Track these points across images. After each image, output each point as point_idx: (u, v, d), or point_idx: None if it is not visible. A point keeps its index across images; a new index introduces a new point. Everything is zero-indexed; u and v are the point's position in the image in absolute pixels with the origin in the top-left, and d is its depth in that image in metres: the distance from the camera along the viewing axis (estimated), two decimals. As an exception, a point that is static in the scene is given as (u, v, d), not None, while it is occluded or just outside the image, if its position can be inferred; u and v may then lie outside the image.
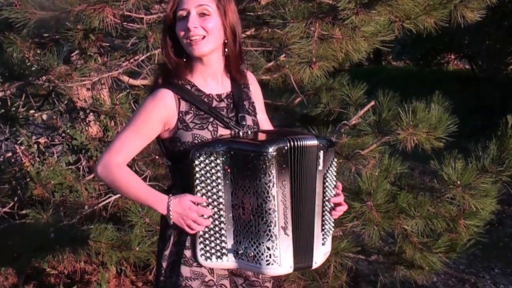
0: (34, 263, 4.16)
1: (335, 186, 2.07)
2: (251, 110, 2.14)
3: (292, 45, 2.94)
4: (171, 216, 1.94)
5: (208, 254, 1.94)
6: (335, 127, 3.96)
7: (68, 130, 4.08)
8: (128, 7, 3.09)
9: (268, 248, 1.88)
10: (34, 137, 4.46)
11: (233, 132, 2.02)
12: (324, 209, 2.02)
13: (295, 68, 3.10)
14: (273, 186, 1.85)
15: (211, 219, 1.93)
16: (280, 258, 1.89)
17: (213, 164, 1.90)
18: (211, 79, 2.06)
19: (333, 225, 2.09)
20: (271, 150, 1.84)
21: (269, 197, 1.86)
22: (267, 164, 1.84)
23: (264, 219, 1.87)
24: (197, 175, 1.91)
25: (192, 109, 1.99)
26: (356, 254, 3.72)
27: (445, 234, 3.42)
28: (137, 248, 3.45)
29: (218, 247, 1.94)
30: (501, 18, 9.57)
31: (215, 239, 1.94)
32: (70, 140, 4.05)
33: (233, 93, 2.09)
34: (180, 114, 1.98)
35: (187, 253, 1.98)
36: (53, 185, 3.81)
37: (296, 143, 1.89)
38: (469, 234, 3.42)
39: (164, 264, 2.02)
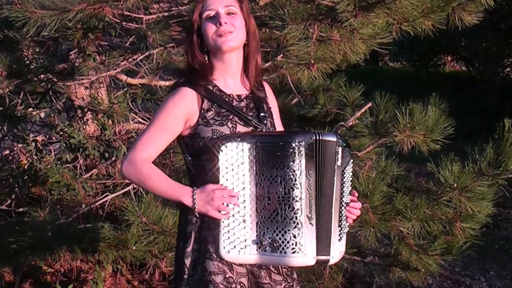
0: (30, 261, 4.15)
1: (351, 190, 2.13)
2: (269, 113, 2.21)
3: (291, 47, 2.95)
4: (196, 206, 1.98)
5: (231, 246, 1.96)
6: (332, 128, 3.96)
7: (66, 129, 4.08)
8: (127, 7, 3.09)
9: (295, 236, 1.91)
10: (31, 135, 4.46)
11: (254, 129, 2.09)
12: (341, 204, 2.08)
13: (294, 70, 3.11)
14: (300, 174, 1.92)
15: (236, 209, 1.96)
16: (305, 246, 1.93)
17: (239, 155, 1.95)
18: (231, 80, 2.14)
19: (347, 223, 2.12)
20: (300, 139, 1.92)
21: (297, 184, 1.91)
22: (296, 152, 1.92)
23: (291, 207, 1.92)
24: (223, 166, 1.96)
25: (214, 107, 2.07)
26: (352, 255, 3.73)
27: (441, 237, 3.43)
28: (134, 247, 3.45)
29: (241, 239, 1.96)
30: (498, 20, 9.60)
31: (239, 230, 1.96)
32: (67, 139, 4.05)
33: (252, 94, 2.17)
34: (202, 111, 2.05)
35: (211, 248, 2.01)
36: (51, 183, 3.81)
37: (319, 137, 1.96)
38: (465, 237, 3.43)
39: (187, 262, 2.05)
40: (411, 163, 5.09)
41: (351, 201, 2.13)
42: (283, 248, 1.92)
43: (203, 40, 2.09)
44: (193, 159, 2.08)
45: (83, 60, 3.84)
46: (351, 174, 2.14)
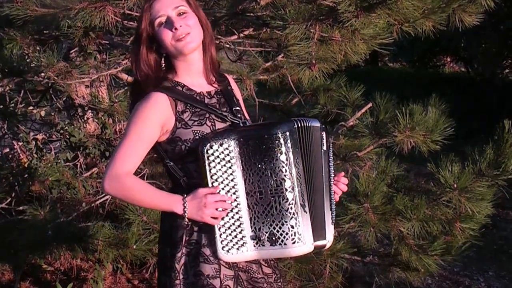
0: (30, 260, 4.16)
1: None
2: (240, 105, 2.19)
3: (292, 47, 2.95)
4: (186, 214, 1.94)
5: (229, 246, 1.95)
6: (333, 128, 3.97)
7: (66, 127, 4.09)
8: (128, 6, 3.10)
9: (292, 227, 1.92)
10: (32, 134, 4.46)
11: (232, 124, 2.06)
12: (330, 188, 2.08)
13: (295, 70, 3.12)
14: (289, 164, 1.92)
15: (229, 206, 1.95)
16: (303, 235, 1.94)
17: (225, 153, 1.93)
18: (197, 78, 2.10)
19: (335, 206, 2.13)
20: (283, 129, 1.92)
21: (287, 175, 1.92)
22: (282, 143, 1.91)
23: (285, 198, 1.92)
24: (210, 167, 1.93)
25: (188, 107, 2.02)
26: (351, 255, 3.73)
27: (440, 237, 3.44)
28: (134, 246, 3.45)
29: (238, 237, 1.95)
30: (497, 22, 9.60)
31: (235, 229, 1.95)
32: (68, 137, 4.05)
33: (221, 89, 2.14)
34: (177, 114, 2.00)
35: (206, 251, 1.98)
36: (51, 181, 3.81)
37: (303, 124, 1.96)
38: (465, 237, 3.44)
39: (178, 266, 1.99)
40: (411, 163, 5.08)
41: (339, 176, 2.14)
42: (282, 240, 1.92)
43: (159, 45, 2.03)
44: (177, 163, 2.03)
45: (84, 59, 3.85)
46: (332, 154, 2.12)
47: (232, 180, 1.95)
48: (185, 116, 2.00)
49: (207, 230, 1.98)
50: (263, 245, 1.94)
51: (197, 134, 1.99)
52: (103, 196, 3.86)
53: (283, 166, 1.91)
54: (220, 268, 1.99)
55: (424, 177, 4.49)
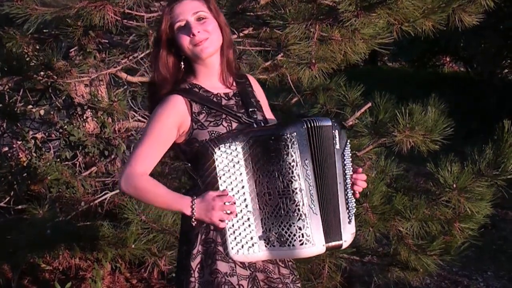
0: (29, 259, 4.15)
1: (352, 167, 2.12)
2: (259, 106, 2.20)
3: (292, 46, 2.96)
4: (195, 215, 1.97)
5: (239, 246, 1.96)
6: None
7: (66, 126, 4.08)
8: (128, 5, 3.10)
9: (300, 228, 1.92)
10: (31, 132, 4.45)
11: (246, 126, 2.07)
12: (346, 187, 2.07)
13: (294, 69, 3.12)
14: (296, 165, 1.92)
15: (238, 209, 1.96)
16: (312, 237, 1.93)
17: (233, 155, 1.95)
18: (216, 80, 2.13)
19: (355, 204, 2.12)
20: (291, 130, 1.92)
21: (294, 176, 1.92)
22: (288, 144, 1.92)
23: (292, 199, 1.92)
24: (219, 168, 1.96)
25: (204, 109, 2.05)
26: (350, 255, 3.73)
27: (439, 237, 3.43)
28: (133, 246, 3.45)
29: (248, 238, 1.96)
30: (497, 21, 9.60)
31: (244, 229, 1.96)
32: (67, 136, 4.04)
33: (239, 91, 2.16)
34: (193, 115, 2.03)
35: (221, 249, 2.00)
36: (50, 180, 3.81)
37: (312, 124, 1.96)
38: (464, 237, 3.43)
39: (193, 264, 2.03)
40: (410, 163, 5.08)
41: (356, 173, 2.12)
42: (290, 242, 1.93)
43: (179, 48, 2.07)
44: (192, 164, 2.08)
45: (83, 58, 3.84)
46: (350, 153, 2.12)
47: (241, 181, 1.96)
48: (201, 117, 2.04)
49: (216, 229, 2.00)
50: (273, 246, 1.95)
51: (213, 135, 2.02)
52: (102, 195, 3.86)
53: (289, 168, 1.92)
54: (236, 267, 2.02)
55: (423, 177, 4.49)
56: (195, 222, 1.99)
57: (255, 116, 2.11)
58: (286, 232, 1.93)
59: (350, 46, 3.06)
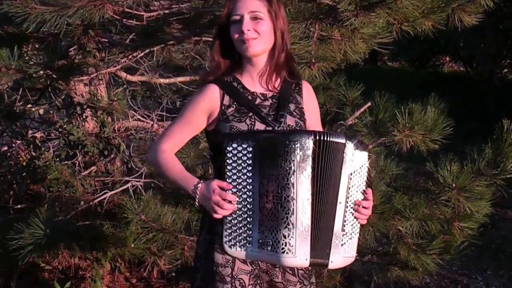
0: (28, 258, 4.14)
1: (364, 191, 2.07)
2: (296, 113, 2.19)
3: (292, 46, 2.95)
4: (196, 197, 2.03)
5: (233, 242, 2.00)
6: (332, 127, 3.97)
7: (65, 125, 4.07)
8: (128, 4, 3.09)
9: (285, 236, 1.92)
10: (30, 132, 4.45)
11: (269, 127, 2.10)
12: (346, 209, 2.03)
13: (294, 69, 3.10)
14: (292, 173, 1.92)
15: (237, 206, 1.99)
16: (295, 248, 1.93)
17: (243, 153, 1.97)
18: (259, 79, 2.17)
19: (357, 229, 2.07)
20: (296, 138, 1.92)
21: (288, 184, 1.92)
22: (289, 152, 1.92)
23: (283, 206, 1.93)
24: (228, 162, 1.99)
25: (234, 103, 2.11)
26: (350, 254, 3.72)
27: (439, 236, 3.43)
28: (132, 245, 3.44)
29: (244, 235, 1.99)
30: (497, 21, 9.60)
31: (242, 227, 1.99)
32: (66, 135, 4.04)
33: (279, 94, 2.18)
34: (223, 107, 2.11)
35: (219, 241, 2.05)
36: (49, 180, 3.80)
37: (322, 137, 1.94)
38: (463, 236, 3.43)
39: (199, 251, 2.17)
40: (409, 162, 5.08)
41: (364, 199, 2.07)
42: (274, 248, 1.94)
43: (231, 39, 2.14)
44: (213, 154, 2.17)
45: (83, 57, 3.85)
46: (365, 177, 2.07)
47: (245, 180, 1.98)
48: (229, 110, 2.11)
49: (221, 221, 2.03)
50: (263, 249, 1.96)
51: (233, 130, 2.07)
52: (102, 195, 3.86)
53: (286, 174, 1.92)
54: (234, 260, 2.06)
55: (423, 176, 4.49)
56: (197, 204, 2.05)
57: (282, 120, 2.12)
58: (273, 237, 1.94)
59: (350, 45, 3.06)
